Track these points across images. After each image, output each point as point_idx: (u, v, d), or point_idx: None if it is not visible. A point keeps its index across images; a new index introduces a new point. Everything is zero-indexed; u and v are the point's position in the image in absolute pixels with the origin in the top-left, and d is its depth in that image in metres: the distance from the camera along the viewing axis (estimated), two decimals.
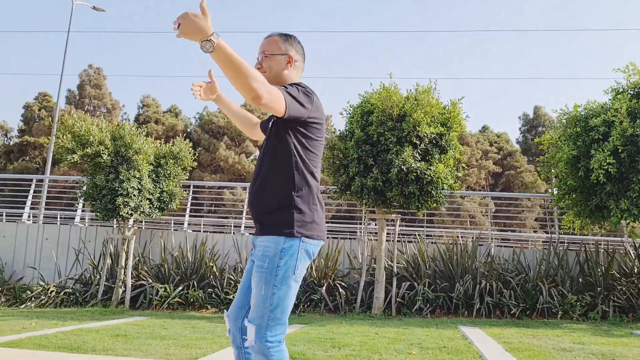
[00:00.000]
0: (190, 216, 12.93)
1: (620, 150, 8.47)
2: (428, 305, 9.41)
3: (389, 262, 10.00)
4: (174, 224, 13.71)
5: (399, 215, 9.87)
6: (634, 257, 9.91)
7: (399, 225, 10.15)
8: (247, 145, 40.75)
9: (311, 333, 6.32)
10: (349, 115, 9.97)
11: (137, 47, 67.79)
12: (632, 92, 9.24)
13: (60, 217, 15.73)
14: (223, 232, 12.40)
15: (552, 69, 66.23)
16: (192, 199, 12.73)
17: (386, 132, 9.07)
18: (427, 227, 16.52)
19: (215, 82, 2.72)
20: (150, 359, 4.74)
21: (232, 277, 10.32)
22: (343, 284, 10.02)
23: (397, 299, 9.54)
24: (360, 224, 16.91)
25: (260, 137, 2.87)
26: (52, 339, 5.55)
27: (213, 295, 10.06)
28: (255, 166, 2.64)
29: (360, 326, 7.23)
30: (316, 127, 2.42)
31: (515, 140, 48.66)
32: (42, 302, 10.28)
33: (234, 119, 2.89)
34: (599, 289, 9.34)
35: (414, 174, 8.90)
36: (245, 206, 13.68)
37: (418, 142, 9.06)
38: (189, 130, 42.02)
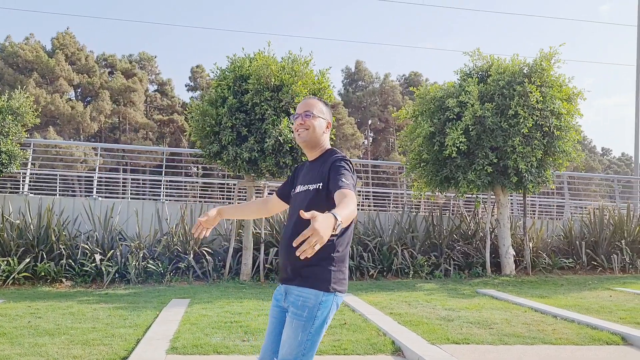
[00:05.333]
0: (31, 179, 11.54)
1: (470, 129, 9.50)
2: None
3: (257, 229, 10.11)
4: (11, 186, 12.12)
5: (267, 182, 9.98)
6: (469, 221, 11.34)
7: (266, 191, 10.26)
8: (61, 84, 36.88)
9: (210, 315, 6.27)
10: (217, 78, 9.64)
11: None
12: (478, 76, 10.30)
13: None
14: (71, 195, 11.34)
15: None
16: (32, 158, 11.35)
17: (262, 102, 8.98)
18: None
19: (206, 214, 2.88)
20: None
21: (87, 247, 9.59)
22: (210, 250, 9.93)
23: (266, 265, 9.77)
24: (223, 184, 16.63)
25: (279, 208, 2.95)
26: None
27: (67, 267, 9.28)
28: (290, 211, 2.71)
29: (249, 301, 7.31)
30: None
31: (337, 93, 50.91)
32: None
33: (250, 214, 3.04)
34: (442, 249, 10.57)
35: (290, 145, 9.03)
36: (97, 167, 12.58)
37: (293, 112, 9.14)
38: None
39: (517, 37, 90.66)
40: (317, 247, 1.96)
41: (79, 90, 40.31)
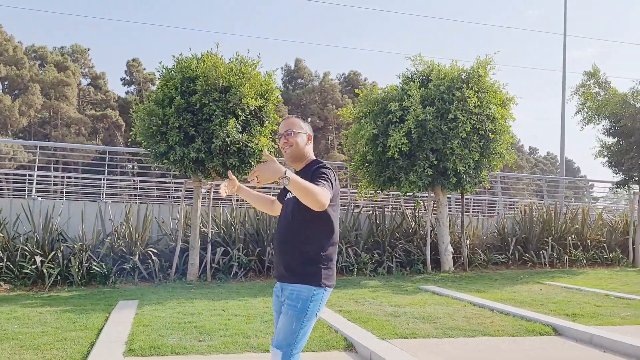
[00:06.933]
0: None
1: (412, 132, 9.90)
2: (242, 269, 9.89)
3: (203, 229, 10.13)
4: None
5: (214, 183, 10.01)
6: (410, 220, 11.78)
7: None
8: None
9: (163, 316, 6.29)
10: (163, 78, 9.56)
11: None
12: (420, 80, 10.72)
13: None
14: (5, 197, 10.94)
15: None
16: None
17: (210, 103, 9.00)
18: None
19: (234, 179, 3.11)
20: None
21: (26, 249, 9.31)
22: (155, 250, 9.86)
23: (213, 265, 9.81)
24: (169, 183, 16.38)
25: (279, 210, 3.20)
26: None
27: (5, 270, 8.99)
28: (281, 214, 2.98)
29: (200, 301, 7.36)
30: (337, 195, 2.89)
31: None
32: None
33: (258, 204, 3.31)
34: (384, 247, 10.94)
35: (237, 146, 9.11)
36: (37, 165, 12.16)
37: (240, 113, 9.22)
38: None
39: (451, 40, 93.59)
40: (256, 180, 2.42)
41: (6, 82, 38.48)
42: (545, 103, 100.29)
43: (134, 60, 45.83)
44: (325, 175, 2.76)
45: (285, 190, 3.10)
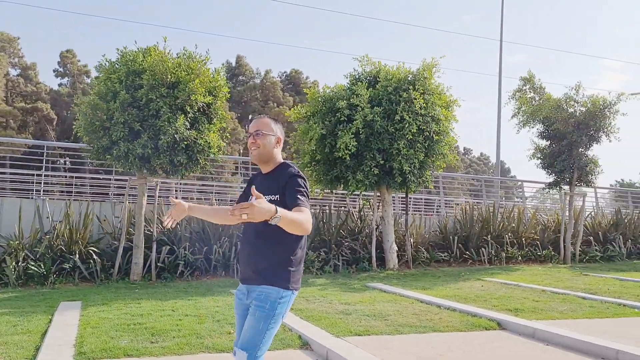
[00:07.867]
0: None
1: (360, 132, 10.03)
2: (188, 268, 9.72)
3: (148, 227, 9.88)
4: None
5: (160, 180, 9.79)
6: (356, 218, 11.93)
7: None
8: None
9: (110, 318, 6.10)
10: (107, 71, 9.26)
11: None
12: (367, 81, 10.87)
13: None
14: None
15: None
16: None
17: (157, 99, 8.80)
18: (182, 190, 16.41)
19: (179, 202, 3.03)
20: None
21: None
22: (97, 250, 9.54)
23: (158, 264, 9.59)
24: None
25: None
26: None
27: None
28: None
29: (147, 301, 7.18)
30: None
31: None
32: None
33: (216, 218, 3.16)
34: (331, 246, 11.03)
35: (185, 143, 8.95)
36: None
37: (189, 110, 9.06)
38: None
39: (392, 42, 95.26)
40: (244, 217, 2.22)
41: None
42: (478, 105, 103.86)
43: (67, 51, 43.93)
44: (302, 190, 2.74)
45: (246, 195, 3.02)
